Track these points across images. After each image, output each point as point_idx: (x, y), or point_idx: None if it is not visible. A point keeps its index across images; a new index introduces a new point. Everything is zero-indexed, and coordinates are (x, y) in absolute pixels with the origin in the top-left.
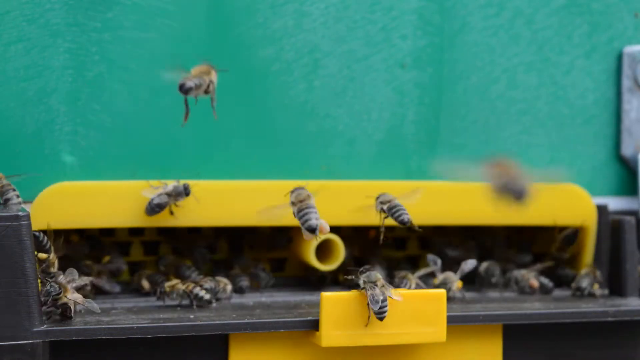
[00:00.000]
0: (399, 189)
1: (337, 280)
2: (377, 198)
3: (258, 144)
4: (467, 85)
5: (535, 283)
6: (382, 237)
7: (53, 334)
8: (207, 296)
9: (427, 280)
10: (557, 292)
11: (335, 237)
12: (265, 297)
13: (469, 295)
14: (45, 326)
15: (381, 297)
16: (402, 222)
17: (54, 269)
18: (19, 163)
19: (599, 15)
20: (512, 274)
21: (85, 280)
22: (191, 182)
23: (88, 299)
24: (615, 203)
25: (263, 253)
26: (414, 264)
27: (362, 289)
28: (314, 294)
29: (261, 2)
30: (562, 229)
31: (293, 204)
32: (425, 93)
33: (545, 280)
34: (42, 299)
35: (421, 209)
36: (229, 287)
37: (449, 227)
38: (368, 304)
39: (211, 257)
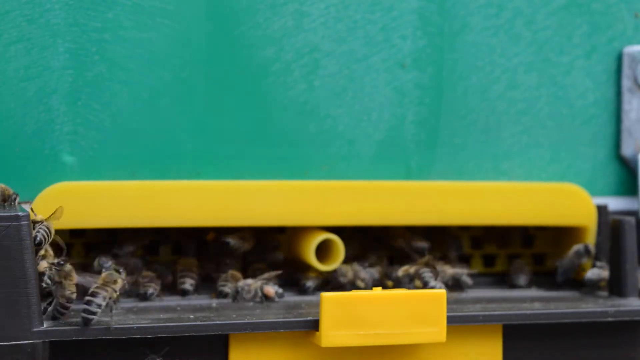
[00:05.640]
0: (398, 189)
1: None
2: None
3: (258, 144)
4: (467, 85)
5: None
6: None
7: (53, 334)
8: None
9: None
10: (557, 293)
11: (335, 237)
12: None
13: (467, 295)
14: (45, 326)
15: None
16: None
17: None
18: (19, 163)
19: (599, 15)
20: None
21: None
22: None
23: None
24: (615, 203)
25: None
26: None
27: None
28: (314, 294)
29: (261, 2)
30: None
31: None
32: (425, 93)
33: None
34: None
35: (420, 208)
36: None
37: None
38: None
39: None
